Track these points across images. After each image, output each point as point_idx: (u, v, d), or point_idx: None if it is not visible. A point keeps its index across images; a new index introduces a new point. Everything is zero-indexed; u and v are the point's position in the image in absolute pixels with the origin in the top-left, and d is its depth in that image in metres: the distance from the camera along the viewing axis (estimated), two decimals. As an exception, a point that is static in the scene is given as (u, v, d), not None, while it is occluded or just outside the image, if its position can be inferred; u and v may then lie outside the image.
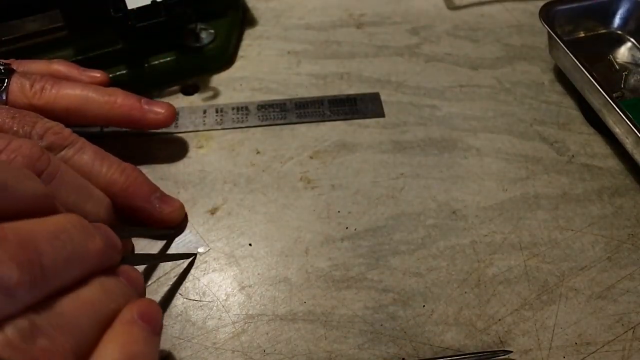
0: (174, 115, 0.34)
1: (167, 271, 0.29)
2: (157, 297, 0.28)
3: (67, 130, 0.28)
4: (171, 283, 0.29)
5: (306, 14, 0.46)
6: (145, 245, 0.31)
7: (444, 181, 0.34)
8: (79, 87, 0.31)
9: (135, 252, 0.30)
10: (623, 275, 0.30)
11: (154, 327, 0.21)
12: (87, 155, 0.28)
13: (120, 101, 0.32)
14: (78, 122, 0.31)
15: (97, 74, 0.34)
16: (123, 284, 0.22)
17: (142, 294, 0.24)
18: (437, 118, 0.38)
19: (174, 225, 0.31)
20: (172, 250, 0.31)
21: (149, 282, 0.29)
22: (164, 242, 0.31)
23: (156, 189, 0.31)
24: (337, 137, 0.36)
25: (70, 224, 0.20)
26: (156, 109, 0.33)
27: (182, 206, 0.32)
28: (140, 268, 0.29)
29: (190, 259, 0.30)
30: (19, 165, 0.24)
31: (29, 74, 0.30)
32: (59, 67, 0.33)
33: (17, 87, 0.30)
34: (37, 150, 0.24)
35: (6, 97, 0.29)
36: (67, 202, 0.25)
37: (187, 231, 0.31)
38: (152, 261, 0.30)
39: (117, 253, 0.23)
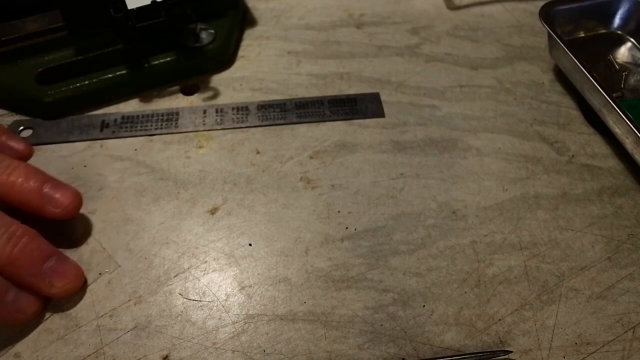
0: (78, 207, 0.29)
1: (166, 270, 0.29)
2: (157, 297, 0.28)
3: None
4: (171, 283, 0.29)
5: (306, 14, 0.46)
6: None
7: (444, 181, 0.34)
8: None
9: None
10: (623, 275, 0.30)
11: None
12: None
13: (20, 181, 0.27)
14: None
15: (20, 146, 0.30)
16: None
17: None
18: (437, 118, 0.38)
19: (69, 298, 0.28)
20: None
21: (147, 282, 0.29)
22: None
23: (50, 255, 0.27)
24: (337, 137, 0.36)
25: None
26: (57, 199, 0.28)
27: (78, 277, 0.28)
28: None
29: None
30: None
31: None
32: None
33: None
34: None
35: None
36: None
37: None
38: None
39: None
